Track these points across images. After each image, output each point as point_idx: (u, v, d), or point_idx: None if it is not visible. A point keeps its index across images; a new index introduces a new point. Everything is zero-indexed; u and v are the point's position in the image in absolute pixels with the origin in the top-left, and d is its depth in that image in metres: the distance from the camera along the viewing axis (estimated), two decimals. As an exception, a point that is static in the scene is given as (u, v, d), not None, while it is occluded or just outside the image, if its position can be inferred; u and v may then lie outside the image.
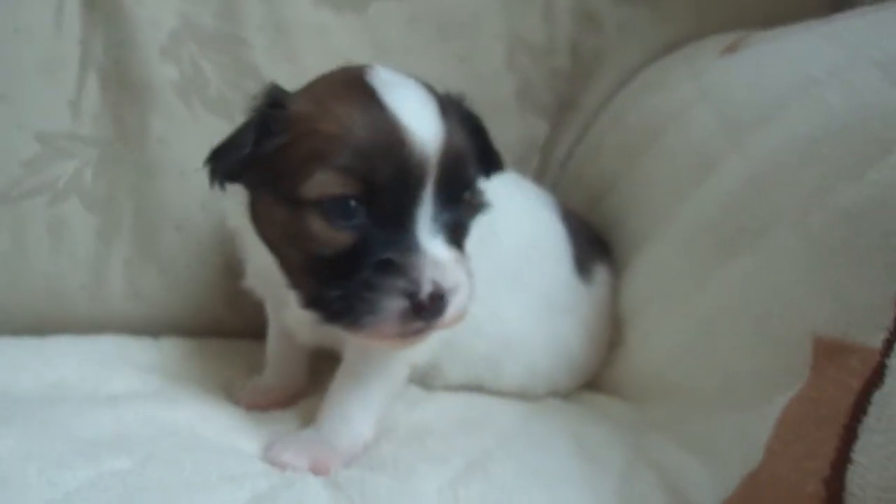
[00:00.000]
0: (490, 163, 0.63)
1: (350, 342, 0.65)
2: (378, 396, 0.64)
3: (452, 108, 0.58)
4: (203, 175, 0.58)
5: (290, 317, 0.67)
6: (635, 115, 0.86)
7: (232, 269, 0.79)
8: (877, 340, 0.49)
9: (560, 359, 0.78)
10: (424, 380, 0.76)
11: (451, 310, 0.52)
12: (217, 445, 0.61)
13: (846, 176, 0.54)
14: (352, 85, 0.55)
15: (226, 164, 0.57)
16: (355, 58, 0.88)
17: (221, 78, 0.83)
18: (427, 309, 0.51)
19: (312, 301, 0.55)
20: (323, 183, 0.51)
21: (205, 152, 0.58)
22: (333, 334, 0.65)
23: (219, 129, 0.83)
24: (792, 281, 0.57)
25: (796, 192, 0.58)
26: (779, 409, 0.54)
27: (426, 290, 0.50)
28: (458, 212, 0.56)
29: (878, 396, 0.46)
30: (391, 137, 0.51)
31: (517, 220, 0.75)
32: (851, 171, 0.54)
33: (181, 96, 0.82)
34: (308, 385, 0.76)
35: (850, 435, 0.47)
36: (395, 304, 0.50)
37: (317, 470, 0.59)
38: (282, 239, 0.57)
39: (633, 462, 0.62)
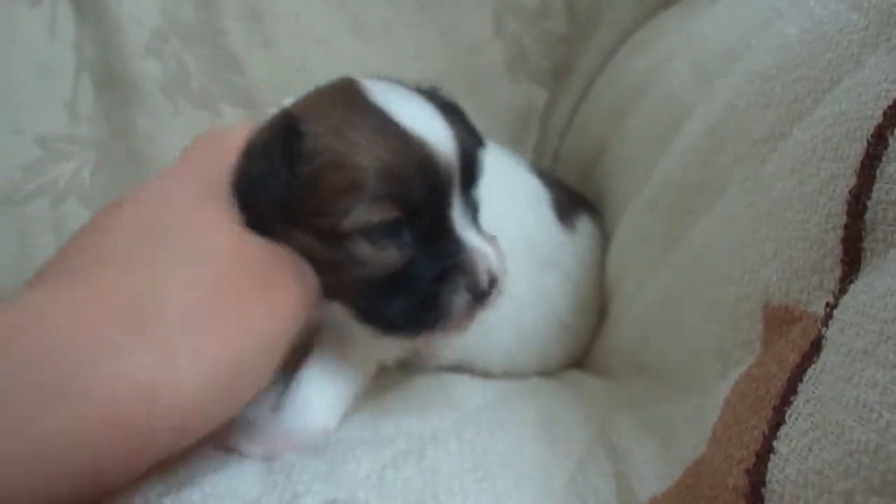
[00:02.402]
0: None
1: (324, 335, 0.64)
2: (343, 388, 0.63)
3: (437, 102, 0.58)
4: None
5: None
6: (627, 76, 0.79)
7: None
8: (820, 306, 0.42)
9: (549, 321, 0.73)
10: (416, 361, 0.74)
11: (502, 288, 0.55)
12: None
13: (797, 117, 0.47)
14: (360, 107, 0.54)
15: (262, 202, 0.52)
16: (333, 38, 0.87)
17: (203, 70, 0.84)
18: (487, 295, 0.54)
19: (369, 317, 0.56)
20: (366, 214, 0.52)
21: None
22: (309, 325, 0.65)
23: (203, 121, 0.86)
24: (744, 241, 0.49)
25: (751, 139, 0.51)
26: (730, 386, 0.48)
27: (485, 281, 0.53)
28: (475, 196, 0.57)
29: (810, 374, 0.39)
30: (420, 156, 0.52)
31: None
32: (802, 111, 0.46)
33: (165, 92, 0.84)
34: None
35: (777, 418, 0.40)
36: (462, 301, 0.53)
37: (269, 457, 0.58)
38: (321, 269, 0.56)
39: (594, 448, 0.57)
